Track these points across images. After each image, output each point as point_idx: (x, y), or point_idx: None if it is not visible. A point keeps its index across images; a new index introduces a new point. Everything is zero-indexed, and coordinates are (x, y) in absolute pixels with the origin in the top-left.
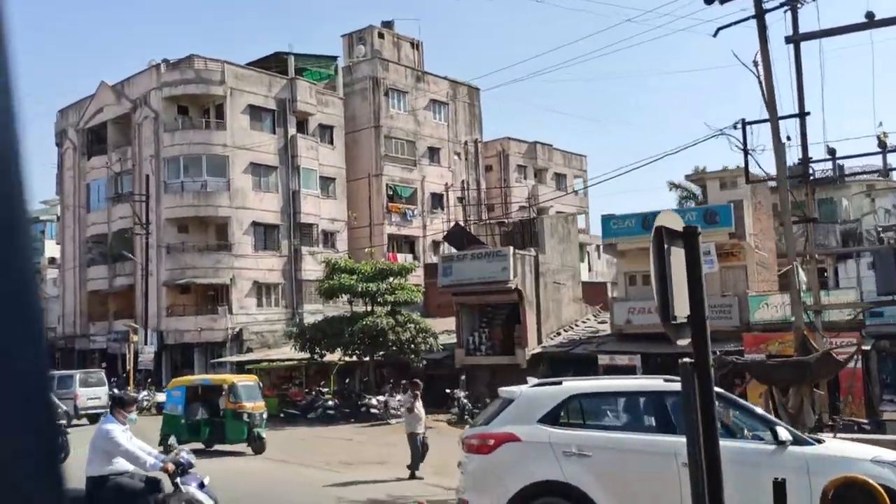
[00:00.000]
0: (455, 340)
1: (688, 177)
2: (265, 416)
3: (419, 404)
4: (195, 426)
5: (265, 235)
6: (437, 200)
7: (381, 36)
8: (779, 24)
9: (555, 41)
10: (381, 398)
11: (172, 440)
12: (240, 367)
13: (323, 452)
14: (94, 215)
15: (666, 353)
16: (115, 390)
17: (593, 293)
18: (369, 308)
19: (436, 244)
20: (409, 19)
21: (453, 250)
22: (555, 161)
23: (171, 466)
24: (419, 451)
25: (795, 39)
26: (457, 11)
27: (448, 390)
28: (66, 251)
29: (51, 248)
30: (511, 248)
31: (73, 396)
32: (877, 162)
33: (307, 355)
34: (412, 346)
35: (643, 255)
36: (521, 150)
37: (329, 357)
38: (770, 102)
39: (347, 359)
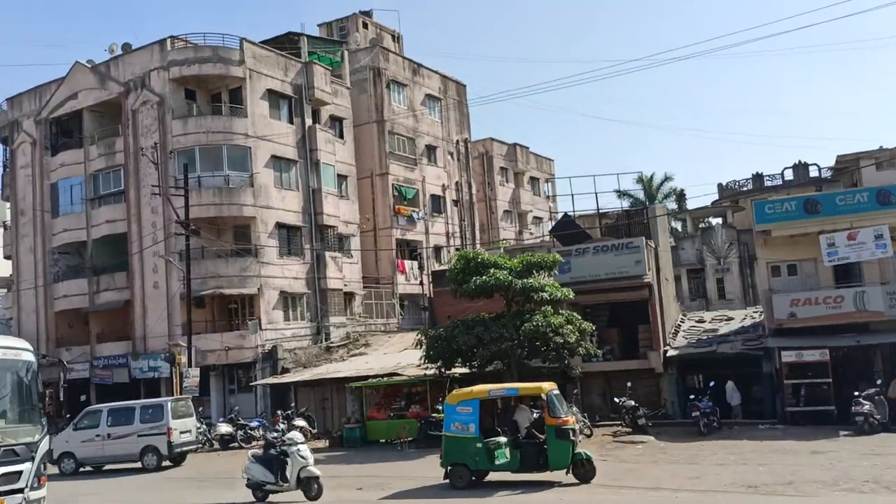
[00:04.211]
0: None
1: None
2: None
3: None
4: (492, 451)
5: (289, 239)
6: (437, 203)
7: (364, 26)
8: None
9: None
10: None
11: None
12: (276, 390)
13: (653, 475)
14: (65, 220)
15: (846, 347)
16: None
17: None
18: (517, 308)
19: (437, 250)
20: (388, 10)
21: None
22: (530, 164)
23: None
24: None
25: None
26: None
27: (616, 399)
28: (20, 265)
29: None
30: (643, 238)
31: (166, 431)
32: None
33: (413, 371)
34: (574, 349)
35: (798, 242)
36: (503, 152)
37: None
38: None
39: (462, 370)
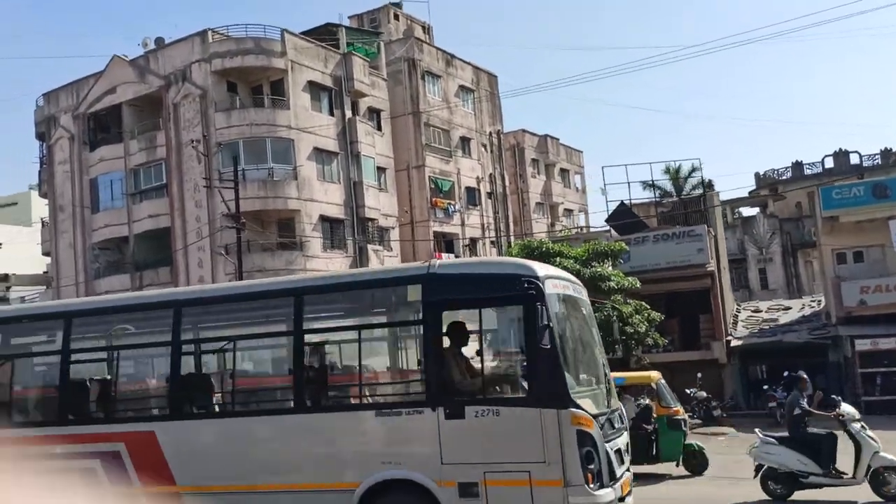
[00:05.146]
0: None
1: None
2: None
3: None
4: None
5: (332, 232)
6: (472, 195)
7: (395, 17)
8: None
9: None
10: None
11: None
12: None
13: None
14: (106, 216)
15: None
16: None
17: None
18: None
19: (473, 242)
20: (418, 1)
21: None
22: (561, 156)
23: None
24: None
25: None
26: None
27: (687, 390)
28: (60, 261)
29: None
30: (705, 226)
31: None
32: None
33: None
34: (643, 339)
35: (864, 228)
36: (534, 144)
37: None
38: None
39: None
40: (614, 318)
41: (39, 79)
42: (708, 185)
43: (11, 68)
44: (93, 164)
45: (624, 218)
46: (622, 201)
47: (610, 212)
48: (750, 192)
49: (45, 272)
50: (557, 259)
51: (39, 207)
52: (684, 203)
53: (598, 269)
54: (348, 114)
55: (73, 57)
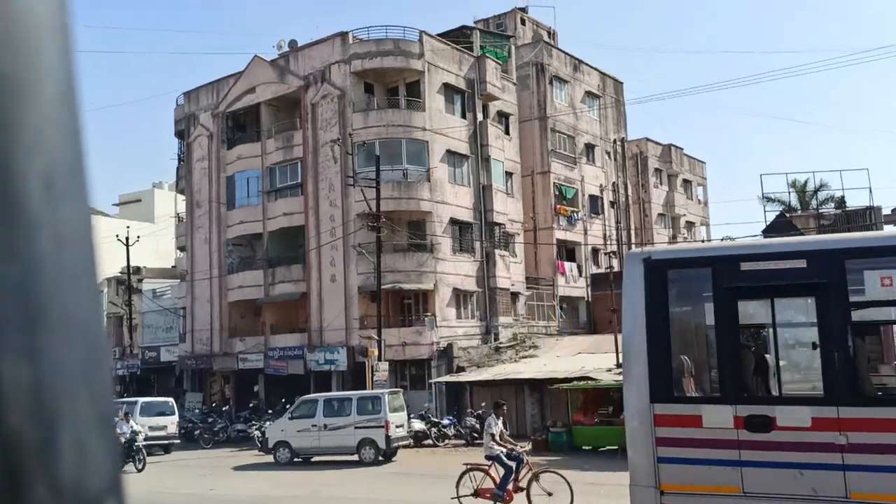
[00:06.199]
0: None
1: None
2: None
3: None
4: None
5: (460, 235)
6: (594, 203)
7: (522, 22)
8: None
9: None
10: None
11: None
12: (450, 389)
13: None
14: (241, 212)
15: None
16: None
17: None
18: None
19: (594, 252)
20: (544, 6)
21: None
22: (684, 166)
23: None
24: None
25: None
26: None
27: None
28: (195, 256)
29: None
30: None
31: (384, 424)
32: None
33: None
34: None
35: None
36: (657, 153)
37: None
38: None
39: None
40: None
41: (161, 77)
42: (840, 202)
43: (134, 69)
44: (230, 161)
45: (783, 230)
46: (781, 212)
47: (768, 223)
48: (893, 210)
49: (173, 266)
50: None
51: (162, 204)
52: (847, 216)
53: None
54: (479, 117)
55: (183, 52)
